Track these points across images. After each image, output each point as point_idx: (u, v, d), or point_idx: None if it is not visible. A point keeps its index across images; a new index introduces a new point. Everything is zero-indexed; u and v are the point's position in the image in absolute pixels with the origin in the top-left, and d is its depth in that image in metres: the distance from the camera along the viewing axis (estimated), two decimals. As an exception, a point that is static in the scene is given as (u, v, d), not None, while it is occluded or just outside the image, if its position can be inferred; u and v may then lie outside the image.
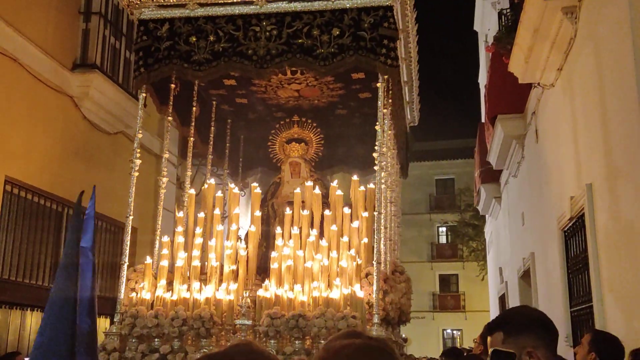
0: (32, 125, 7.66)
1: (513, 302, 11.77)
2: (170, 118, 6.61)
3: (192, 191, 6.66)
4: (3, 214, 7.09)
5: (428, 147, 31.25)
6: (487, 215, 16.57)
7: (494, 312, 16.53)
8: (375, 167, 5.83)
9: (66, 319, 3.77)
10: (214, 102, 7.61)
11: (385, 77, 5.90)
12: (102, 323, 8.39)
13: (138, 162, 5.95)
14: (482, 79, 15.85)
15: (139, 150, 5.96)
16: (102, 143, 9.00)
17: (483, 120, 13.48)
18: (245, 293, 5.72)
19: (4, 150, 7.14)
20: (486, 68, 12.59)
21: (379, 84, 5.86)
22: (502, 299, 13.84)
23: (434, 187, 32.91)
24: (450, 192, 31.96)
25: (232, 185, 6.79)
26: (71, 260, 3.96)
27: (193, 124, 6.93)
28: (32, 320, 7.55)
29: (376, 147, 5.79)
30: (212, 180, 6.83)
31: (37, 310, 7.51)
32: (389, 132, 6.57)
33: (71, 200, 8.04)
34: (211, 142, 7.46)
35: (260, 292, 5.65)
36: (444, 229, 32.28)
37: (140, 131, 5.96)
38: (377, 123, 5.80)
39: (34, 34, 7.67)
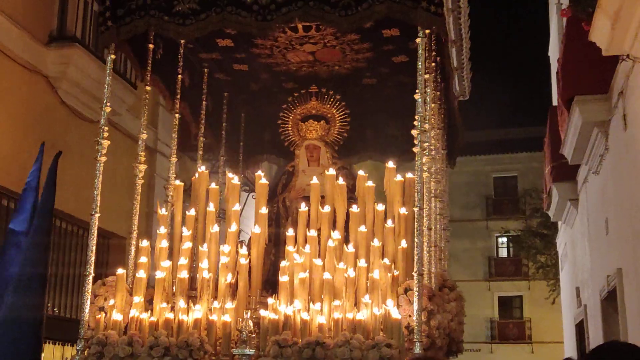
0: None
1: (594, 330, 11.45)
2: (148, 87, 6.45)
3: (179, 182, 6.53)
4: None
5: (484, 137, 30.90)
6: (559, 222, 16.27)
7: (569, 344, 16.33)
8: (415, 149, 5.64)
9: None
10: (206, 70, 7.47)
11: (427, 31, 5.72)
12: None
13: (106, 143, 5.82)
14: (554, 51, 15.69)
15: (106, 129, 5.83)
16: (83, 133, 8.91)
17: (555, 103, 13.32)
18: (247, 314, 5.59)
19: None
20: (559, 37, 12.48)
21: (418, 40, 5.65)
22: (580, 327, 13.47)
23: (492, 188, 32.67)
24: (512, 194, 31.71)
25: (230, 175, 6.59)
26: None
27: (179, 96, 6.80)
28: None
29: (416, 123, 5.62)
30: (203, 168, 6.64)
31: None
32: (432, 105, 6.38)
33: None
34: (202, 121, 7.31)
35: (266, 313, 5.55)
36: (505, 239, 32.09)
37: (108, 103, 5.84)
38: (417, 91, 5.62)
39: (2, 1, 7.70)
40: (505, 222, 30.16)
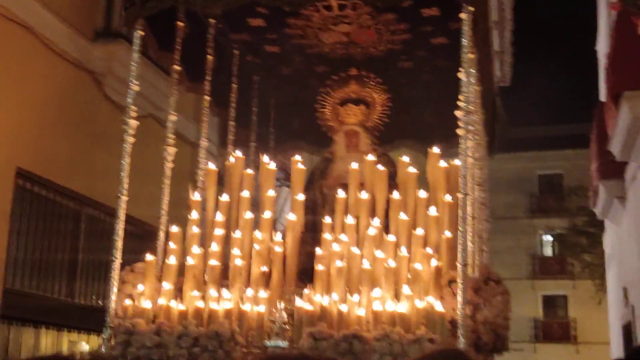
0: (45, 107, 7.86)
1: None
2: (177, 67, 6.34)
3: (212, 166, 6.37)
4: (14, 212, 7.39)
5: (528, 133, 30.59)
6: (606, 221, 16.24)
7: (615, 346, 16.39)
8: (460, 131, 5.42)
9: None
10: (235, 52, 7.32)
11: (471, 8, 5.50)
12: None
13: (133, 123, 5.73)
14: (603, 45, 15.75)
15: (135, 109, 5.73)
16: None
17: (603, 98, 13.34)
18: (280, 304, 5.47)
19: (13, 136, 7.33)
20: (608, 32, 12.55)
21: (463, 15, 5.44)
22: (627, 328, 13.52)
23: (537, 185, 32.60)
24: (558, 191, 31.44)
25: (265, 160, 6.42)
26: None
27: (208, 77, 6.67)
28: (48, 340, 7.83)
29: (460, 103, 5.41)
30: (238, 153, 6.49)
31: (52, 328, 7.87)
32: (476, 87, 6.15)
33: (89, 196, 8.40)
34: (232, 105, 7.18)
35: (301, 303, 5.39)
36: (550, 237, 31.94)
37: (135, 82, 5.79)
38: (461, 69, 5.42)
39: None
40: (550, 220, 30.25)
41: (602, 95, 13.96)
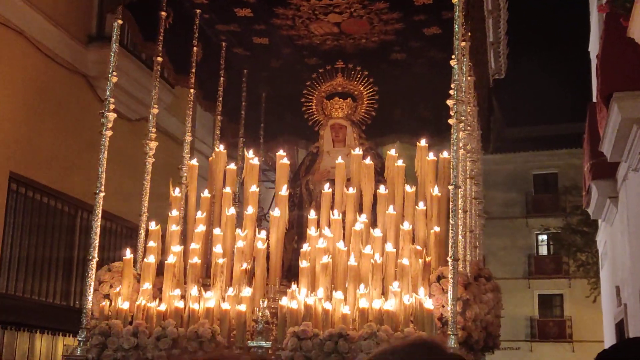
0: (40, 111, 7.93)
1: (635, 330, 11.37)
2: (159, 58, 6.17)
3: (195, 162, 6.18)
4: (7, 217, 7.37)
5: (523, 133, 30.89)
6: (599, 220, 16.23)
7: (609, 344, 15.96)
8: (451, 121, 5.23)
9: None
10: (223, 43, 7.19)
11: None
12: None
13: (112, 116, 5.53)
14: (594, 47, 15.61)
15: (112, 101, 5.56)
16: (122, 132, 9.09)
17: (594, 99, 13.16)
18: (263, 302, 5.23)
19: (6, 140, 7.30)
20: (599, 33, 12.35)
21: (454, 0, 5.28)
22: (620, 327, 13.46)
23: (532, 185, 32.53)
24: (553, 191, 31.59)
25: (249, 155, 6.22)
26: None
27: (193, 70, 6.53)
28: (43, 344, 7.86)
29: (452, 92, 5.23)
30: (221, 147, 6.34)
31: (47, 333, 7.91)
32: (468, 77, 6.01)
33: (85, 200, 8.35)
34: (220, 99, 7.03)
35: (285, 302, 5.21)
36: (545, 237, 32.02)
37: (114, 73, 5.61)
38: (453, 57, 5.24)
39: (43, 3, 7.97)
40: (546, 219, 30.22)
41: (594, 96, 13.94)
